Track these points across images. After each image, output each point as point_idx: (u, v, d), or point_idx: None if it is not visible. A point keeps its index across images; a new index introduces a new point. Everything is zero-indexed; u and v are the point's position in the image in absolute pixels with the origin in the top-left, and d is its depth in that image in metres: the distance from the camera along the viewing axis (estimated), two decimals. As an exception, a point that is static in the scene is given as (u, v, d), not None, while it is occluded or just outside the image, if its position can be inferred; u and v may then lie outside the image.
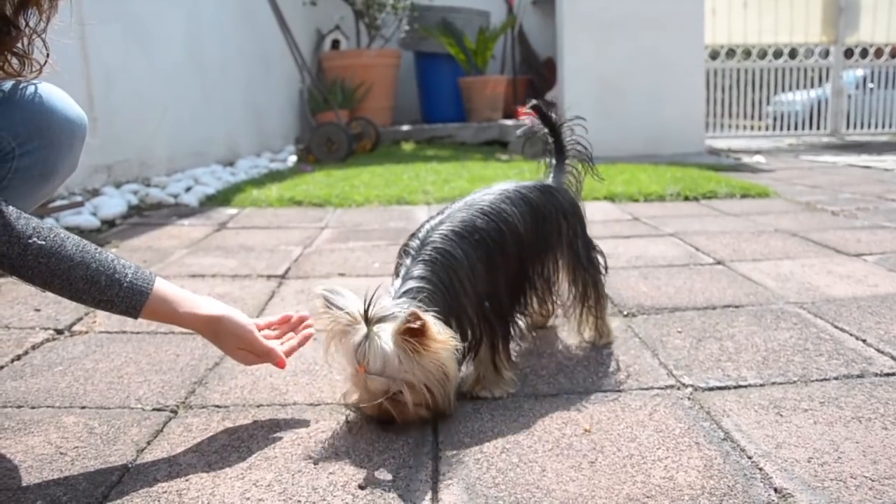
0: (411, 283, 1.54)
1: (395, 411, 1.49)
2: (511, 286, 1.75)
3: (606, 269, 2.01)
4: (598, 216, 4.01)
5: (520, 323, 1.80)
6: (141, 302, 1.44)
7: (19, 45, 1.44)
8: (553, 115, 2.07)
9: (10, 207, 1.38)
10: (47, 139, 1.51)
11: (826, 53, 8.72)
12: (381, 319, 1.44)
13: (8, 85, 1.48)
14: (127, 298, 1.43)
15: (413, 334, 1.40)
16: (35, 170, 1.53)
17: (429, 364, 1.44)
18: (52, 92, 1.55)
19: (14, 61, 1.46)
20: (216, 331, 1.54)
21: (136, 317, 1.46)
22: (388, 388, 1.45)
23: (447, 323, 1.50)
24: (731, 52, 8.67)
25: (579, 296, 1.93)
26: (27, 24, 1.43)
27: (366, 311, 1.44)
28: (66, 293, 1.41)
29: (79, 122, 1.60)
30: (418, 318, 1.39)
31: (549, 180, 1.98)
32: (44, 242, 1.37)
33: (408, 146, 7.87)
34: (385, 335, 1.43)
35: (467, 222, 1.66)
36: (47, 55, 1.50)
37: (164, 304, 1.49)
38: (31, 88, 1.51)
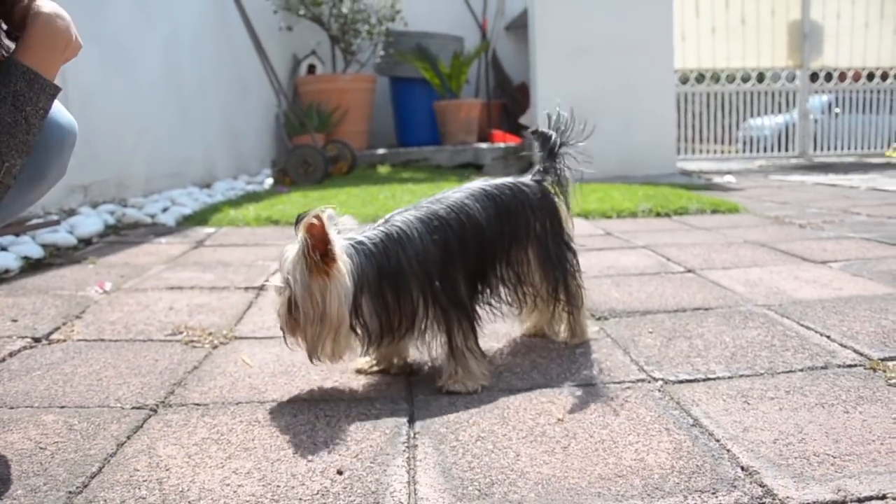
0: (354, 236, 1.68)
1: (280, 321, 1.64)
2: (471, 276, 1.81)
3: (578, 268, 2.05)
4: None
5: (479, 312, 1.84)
6: (10, 60, 1.40)
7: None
8: (552, 134, 2.13)
9: None
10: (38, 144, 1.54)
11: (793, 77, 8.93)
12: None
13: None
14: (8, 73, 1.39)
15: (316, 247, 1.55)
16: (25, 172, 1.55)
17: (314, 286, 1.57)
18: None
19: None
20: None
21: (42, 79, 1.42)
22: (291, 296, 1.58)
23: (379, 284, 1.64)
24: (700, 77, 8.84)
25: (550, 291, 1.98)
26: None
27: (298, 217, 1.57)
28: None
29: (69, 128, 1.64)
30: (319, 218, 1.53)
31: (526, 178, 2.03)
32: None
33: (383, 169, 7.92)
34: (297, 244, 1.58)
35: (430, 211, 1.77)
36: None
37: (20, 45, 1.43)
38: None
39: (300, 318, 1.60)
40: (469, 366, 1.73)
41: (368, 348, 1.73)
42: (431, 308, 1.70)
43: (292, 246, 1.60)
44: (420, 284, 1.69)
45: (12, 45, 1.50)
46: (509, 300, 1.95)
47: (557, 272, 1.97)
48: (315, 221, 1.54)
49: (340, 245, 1.61)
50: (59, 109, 1.62)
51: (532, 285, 1.97)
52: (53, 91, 1.46)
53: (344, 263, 1.60)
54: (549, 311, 2.02)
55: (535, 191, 1.98)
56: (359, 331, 1.66)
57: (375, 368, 1.87)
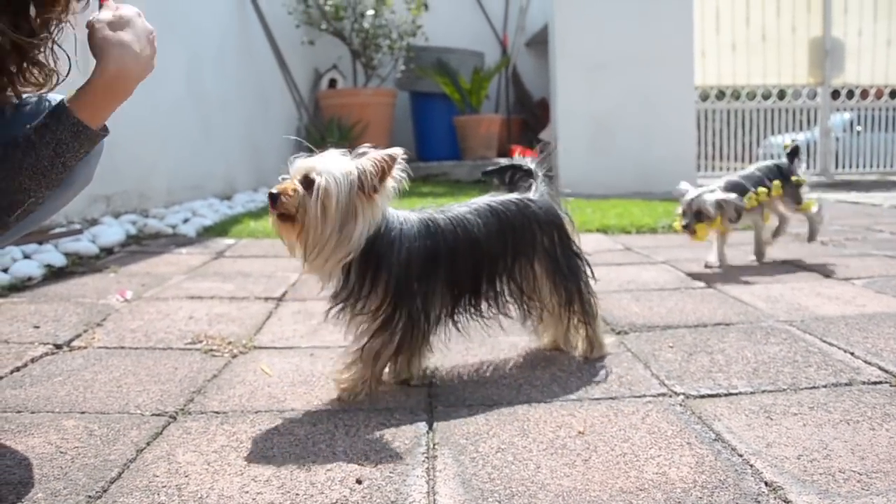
0: None
1: (285, 198, 1.63)
2: (457, 289, 1.83)
3: (593, 277, 2.05)
4: (590, 246, 4.05)
5: (458, 321, 1.87)
6: (63, 108, 1.39)
7: (41, 55, 1.49)
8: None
9: None
10: None
11: (814, 95, 8.88)
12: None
13: (33, 98, 1.54)
14: (58, 122, 1.39)
15: (378, 175, 1.64)
16: None
17: (351, 205, 1.63)
18: None
19: (36, 72, 1.51)
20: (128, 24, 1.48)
21: (88, 128, 1.41)
22: (308, 172, 1.62)
23: (376, 257, 1.70)
24: (720, 94, 8.81)
25: (563, 303, 1.97)
26: (50, 36, 1.48)
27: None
28: (35, 181, 1.39)
29: None
30: (394, 159, 1.64)
31: (530, 193, 2.01)
32: None
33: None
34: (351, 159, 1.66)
35: (429, 216, 1.82)
36: (69, 69, 1.55)
37: (82, 94, 1.42)
38: (51, 102, 1.56)
39: (320, 218, 1.62)
40: (366, 371, 1.75)
41: (337, 300, 1.75)
42: (391, 303, 1.73)
43: (335, 152, 1.67)
44: (392, 275, 1.72)
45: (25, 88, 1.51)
46: (514, 314, 1.96)
47: (570, 283, 1.96)
48: (395, 153, 1.64)
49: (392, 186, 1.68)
50: None
51: (539, 300, 1.97)
52: (100, 137, 1.46)
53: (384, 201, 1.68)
54: (563, 325, 2.01)
55: (540, 205, 1.98)
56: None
57: (395, 379, 1.87)
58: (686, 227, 3.14)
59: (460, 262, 1.81)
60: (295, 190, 1.62)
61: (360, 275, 1.70)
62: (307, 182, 1.62)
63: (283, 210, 1.63)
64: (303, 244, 1.66)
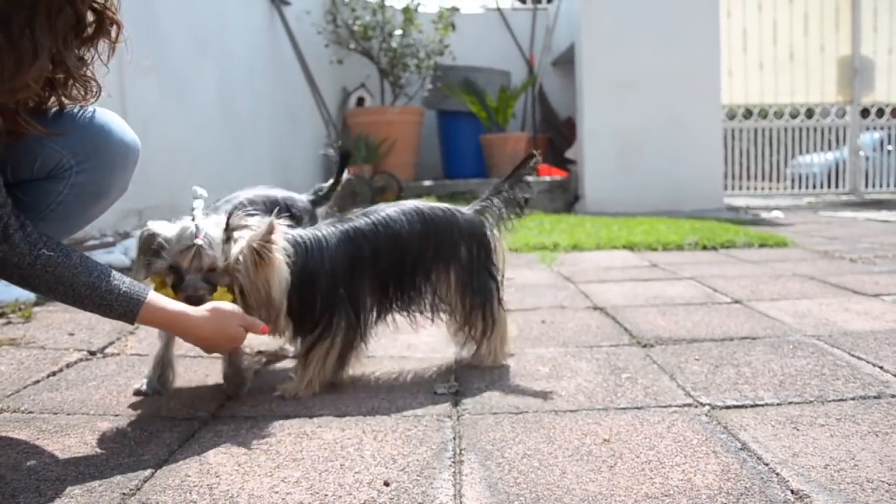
0: (291, 233, 1.86)
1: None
2: (383, 281, 1.94)
3: (501, 300, 2.10)
4: (617, 263, 4.06)
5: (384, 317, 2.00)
6: (137, 306, 1.56)
7: (88, 72, 1.56)
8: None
9: (24, 220, 1.49)
10: (103, 159, 1.62)
11: (843, 113, 8.82)
12: (238, 227, 1.77)
13: (73, 109, 1.61)
14: (124, 303, 1.55)
15: (260, 250, 1.72)
16: (89, 187, 1.63)
17: (260, 280, 1.74)
18: (110, 117, 1.67)
19: (78, 87, 1.57)
20: (220, 316, 1.66)
21: (132, 321, 1.57)
22: (212, 263, 1.72)
23: (300, 281, 1.79)
24: (748, 113, 8.79)
25: (465, 316, 2.05)
26: (95, 52, 1.54)
27: (229, 217, 1.77)
28: (69, 299, 1.54)
29: (133, 146, 1.72)
30: (272, 232, 1.72)
31: (462, 207, 2.10)
32: (52, 253, 1.49)
33: (430, 200, 7.99)
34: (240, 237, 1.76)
35: (351, 225, 1.93)
36: (99, 88, 1.62)
37: (161, 310, 1.61)
38: (91, 112, 1.63)
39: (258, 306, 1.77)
40: (312, 383, 1.87)
41: (296, 336, 1.90)
42: (327, 309, 1.85)
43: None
44: (322, 289, 1.84)
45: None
46: (426, 313, 2.06)
47: (476, 298, 2.04)
48: (269, 238, 1.73)
49: (282, 239, 1.78)
50: (123, 128, 1.69)
51: (449, 304, 2.05)
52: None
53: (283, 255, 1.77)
54: (463, 333, 2.09)
55: (467, 218, 2.06)
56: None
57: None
58: None
59: (384, 258, 1.92)
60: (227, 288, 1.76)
61: (299, 301, 1.82)
62: (209, 272, 1.75)
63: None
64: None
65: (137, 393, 1.89)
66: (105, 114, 1.66)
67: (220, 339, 1.68)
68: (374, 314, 1.96)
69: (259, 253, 1.72)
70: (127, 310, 1.55)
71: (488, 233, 2.09)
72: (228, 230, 1.76)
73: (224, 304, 1.68)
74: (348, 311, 1.87)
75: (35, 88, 1.44)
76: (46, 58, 1.41)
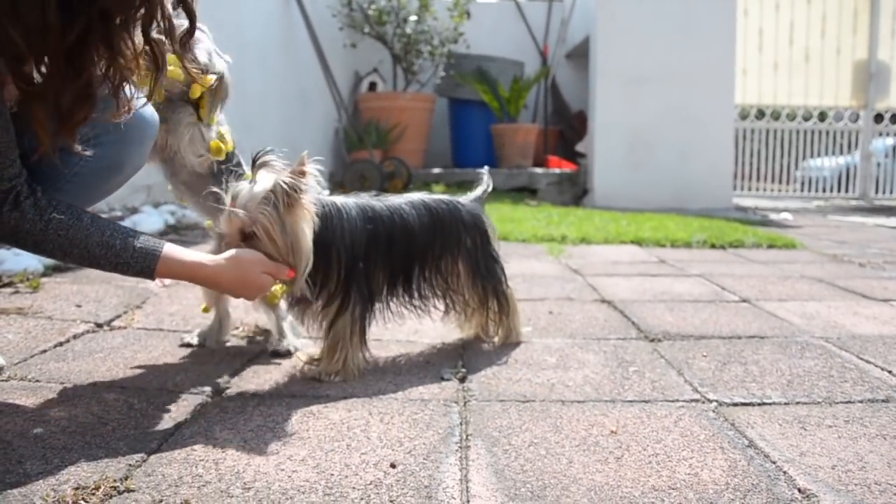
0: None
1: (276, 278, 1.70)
2: (392, 273, 1.95)
3: (500, 280, 2.16)
4: (625, 257, 4.05)
5: (391, 305, 2.00)
6: (153, 261, 1.55)
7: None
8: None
9: (36, 187, 1.49)
10: (121, 134, 1.61)
11: (856, 118, 8.77)
12: (264, 165, 1.72)
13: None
14: (140, 259, 1.54)
15: (292, 187, 1.65)
16: (105, 160, 1.63)
17: (288, 223, 1.67)
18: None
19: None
20: (240, 263, 1.64)
21: (151, 277, 1.56)
22: (243, 226, 1.66)
23: (325, 247, 1.76)
24: (760, 113, 8.74)
25: (480, 300, 2.14)
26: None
27: (254, 159, 1.73)
28: (85, 261, 1.53)
29: (151, 121, 1.71)
30: (304, 166, 1.67)
31: (462, 198, 2.15)
32: (62, 216, 1.49)
33: (438, 188, 7.96)
34: (263, 178, 1.67)
35: (368, 203, 1.93)
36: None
37: (178, 262, 1.59)
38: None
39: (275, 251, 1.69)
40: (346, 358, 1.85)
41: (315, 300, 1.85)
42: (343, 281, 1.83)
43: (245, 183, 1.70)
44: (346, 258, 1.82)
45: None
46: (438, 305, 2.10)
47: (487, 282, 2.12)
48: (299, 172, 1.68)
49: (312, 183, 1.74)
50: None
51: (461, 294, 2.12)
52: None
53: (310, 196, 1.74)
54: (483, 317, 2.18)
55: (468, 209, 2.12)
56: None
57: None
58: None
59: (396, 247, 1.94)
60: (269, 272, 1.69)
61: (314, 267, 1.76)
62: (246, 237, 1.69)
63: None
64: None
65: (185, 345, 1.99)
66: None
67: (242, 287, 1.67)
68: (384, 301, 1.97)
69: (289, 192, 1.65)
70: (144, 266, 1.54)
71: (486, 220, 2.16)
72: (254, 169, 1.72)
73: (244, 251, 1.66)
74: (363, 290, 1.86)
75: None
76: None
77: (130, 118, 1.56)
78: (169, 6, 1.45)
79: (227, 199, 1.68)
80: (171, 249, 1.58)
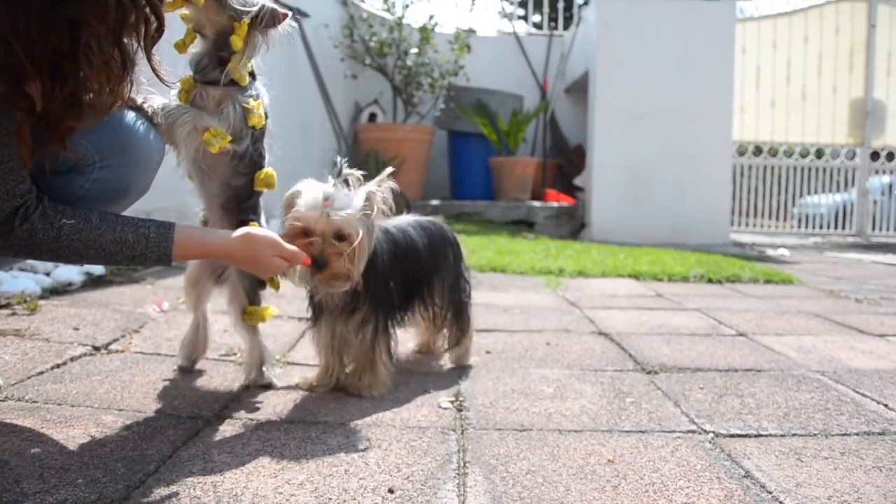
0: None
1: (330, 256, 1.75)
2: (405, 287, 2.05)
3: (469, 297, 2.31)
4: (622, 290, 4.06)
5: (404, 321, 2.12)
6: (168, 246, 1.56)
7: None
8: None
9: (44, 198, 1.50)
10: (127, 157, 1.63)
11: (852, 155, 8.84)
12: (346, 176, 1.81)
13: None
14: (155, 248, 1.56)
15: (383, 199, 1.78)
16: (111, 184, 1.64)
17: (370, 227, 1.78)
18: (136, 117, 1.68)
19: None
20: (252, 242, 1.67)
21: (169, 262, 1.58)
22: (342, 228, 1.72)
23: (371, 258, 1.85)
24: (758, 150, 8.81)
25: (454, 314, 2.24)
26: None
27: (338, 170, 1.82)
28: (102, 260, 1.55)
29: (157, 147, 1.73)
30: (388, 181, 1.81)
31: (436, 219, 2.27)
32: (72, 220, 1.50)
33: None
34: (359, 187, 1.79)
35: (382, 226, 1.95)
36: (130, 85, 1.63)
37: (192, 242, 1.63)
38: (119, 111, 1.64)
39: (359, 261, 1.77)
40: (374, 367, 1.94)
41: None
42: (368, 291, 1.89)
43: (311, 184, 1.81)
44: (378, 273, 1.90)
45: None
46: (423, 317, 2.23)
47: (457, 297, 2.24)
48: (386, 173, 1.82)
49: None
50: (150, 129, 1.71)
51: (441, 307, 2.23)
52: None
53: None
54: (439, 333, 2.31)
55: (447, 228, 2.28)
56: None
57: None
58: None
59: (411, 266, 2.06)
60: (340, 254, 1.74)
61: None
62: (341, 237, 1.74)
63: (333, 272, 1.76)
64: (342, 280, 1.80)
65: (182, 369, 2.07)
66: (131, 113, 1.68)
67: (253, 264, 1.71)
68: (398, 317, 2.06)
69: (380, 203, 1.78)
70: (161, 254, 1.56)
71: (458, 240, 2.31)
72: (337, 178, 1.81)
73: (257, 231, 1.69)
74: (386, 305, 1.96)
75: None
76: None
77: (134, 140, 1.60)
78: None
79: (320, 199, 1.74)
80: (182, 232, 1.61)
